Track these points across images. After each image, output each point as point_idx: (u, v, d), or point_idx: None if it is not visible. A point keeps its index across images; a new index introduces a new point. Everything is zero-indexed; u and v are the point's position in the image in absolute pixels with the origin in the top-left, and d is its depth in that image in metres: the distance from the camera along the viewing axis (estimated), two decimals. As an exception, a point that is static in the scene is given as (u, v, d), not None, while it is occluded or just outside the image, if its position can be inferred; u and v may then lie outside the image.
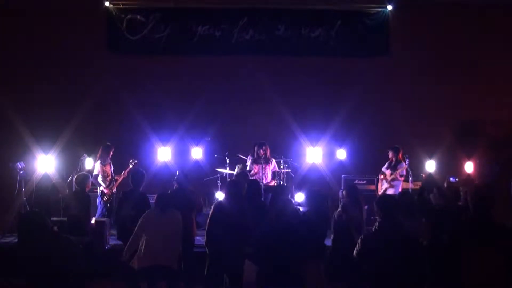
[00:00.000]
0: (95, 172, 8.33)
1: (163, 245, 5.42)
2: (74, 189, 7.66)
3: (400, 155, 8.94)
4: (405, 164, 8.86)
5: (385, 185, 8.87)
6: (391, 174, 8.86)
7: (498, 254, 4.01)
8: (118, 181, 8.51)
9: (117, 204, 6.90)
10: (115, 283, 6.11)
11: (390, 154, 8.97)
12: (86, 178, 7.20)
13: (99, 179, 8.34)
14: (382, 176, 9.05)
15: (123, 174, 8.51)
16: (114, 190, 8.48)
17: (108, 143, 8.59)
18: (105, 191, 8.29)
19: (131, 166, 8.52)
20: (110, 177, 8.48)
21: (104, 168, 8.41)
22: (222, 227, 5.43)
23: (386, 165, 9.05)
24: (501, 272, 4.01)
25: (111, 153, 8.54)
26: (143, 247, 5.46)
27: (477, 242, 4.05)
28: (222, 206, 5.67)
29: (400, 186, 8.86)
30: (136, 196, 6.37)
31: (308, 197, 5.96)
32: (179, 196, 6.24)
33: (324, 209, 5.74)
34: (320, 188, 6.05)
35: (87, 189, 7.19)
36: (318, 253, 5.42)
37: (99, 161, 8.41)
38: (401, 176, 8.83)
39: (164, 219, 5.57)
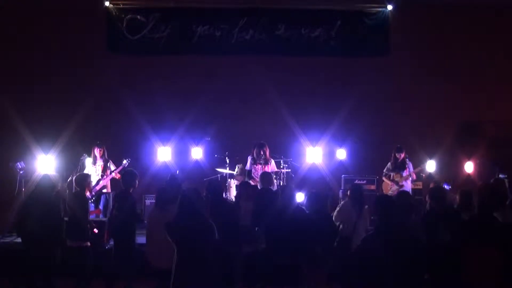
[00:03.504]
0: (85, 172, 8.20)
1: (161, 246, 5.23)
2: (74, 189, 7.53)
3: (404, 154, 8.99)
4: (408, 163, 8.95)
5: (396, 186, 8.79)
6: (402, 174, 8.86)
7: (499, 254, 4.01)
8: (101, 183, 8.44)
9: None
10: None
11: (403, 155, 8.91)
12: (86, 177, 6.79)
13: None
14: (387, 178, 8.98)
15: (113, 174, 8.47)
16: (105, 189, 8.46)
17: (98, 142, 8.59)
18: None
19: (121, 167, 8.44)
20: (99, 177, 8.44)
21: (93, 167, 8.44)
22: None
23: (391, 166, 8.98)
24: (502, 271, 4.01)
25: (100, 152, 8.51)
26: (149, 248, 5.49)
27: (478, 241, 4.06)
28: None
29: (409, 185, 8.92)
30: (122, 197, 6.08)
31: (308, 200, 5.92)
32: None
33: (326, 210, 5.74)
34: (318, 190, 5.99)
35: (87, 190, 6.76)
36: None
37: (90, 161, 8.48)
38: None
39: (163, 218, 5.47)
